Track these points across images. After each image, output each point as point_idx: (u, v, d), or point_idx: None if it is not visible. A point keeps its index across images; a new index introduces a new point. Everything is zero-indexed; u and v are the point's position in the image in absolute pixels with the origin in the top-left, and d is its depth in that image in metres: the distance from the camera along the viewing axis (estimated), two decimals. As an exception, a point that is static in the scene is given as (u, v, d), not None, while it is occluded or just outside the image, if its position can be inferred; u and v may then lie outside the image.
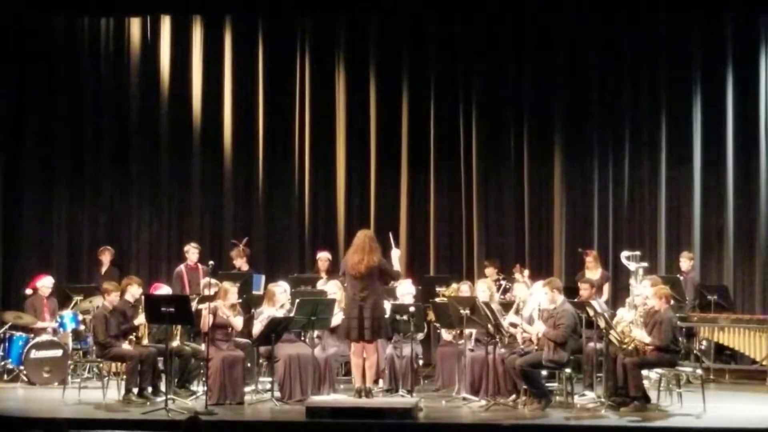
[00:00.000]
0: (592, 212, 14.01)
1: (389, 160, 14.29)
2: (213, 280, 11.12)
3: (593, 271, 12.64)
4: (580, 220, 14.07)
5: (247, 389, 10.59)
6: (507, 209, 14.16)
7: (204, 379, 10.48)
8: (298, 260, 14.06)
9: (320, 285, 12.17)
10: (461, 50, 14.20)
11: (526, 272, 12.41)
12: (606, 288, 12.61)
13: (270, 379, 10.72)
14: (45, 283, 12.58)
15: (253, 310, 11.09)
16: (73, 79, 14.47)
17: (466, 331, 10.71)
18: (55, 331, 12.10)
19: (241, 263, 12.93)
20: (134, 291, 10.85)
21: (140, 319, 10.53)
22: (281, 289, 10.99)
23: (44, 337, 11.97)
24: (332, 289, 11.37)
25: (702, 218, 13.82)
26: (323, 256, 13.02)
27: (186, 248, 12.87)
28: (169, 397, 9.88)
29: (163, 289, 11.52)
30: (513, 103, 14.19)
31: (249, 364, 10.87)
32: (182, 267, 12.74)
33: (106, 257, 13.39)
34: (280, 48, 14.44)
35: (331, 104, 14.33)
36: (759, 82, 13.72)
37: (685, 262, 12.96)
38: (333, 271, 12.61)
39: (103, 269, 13.30)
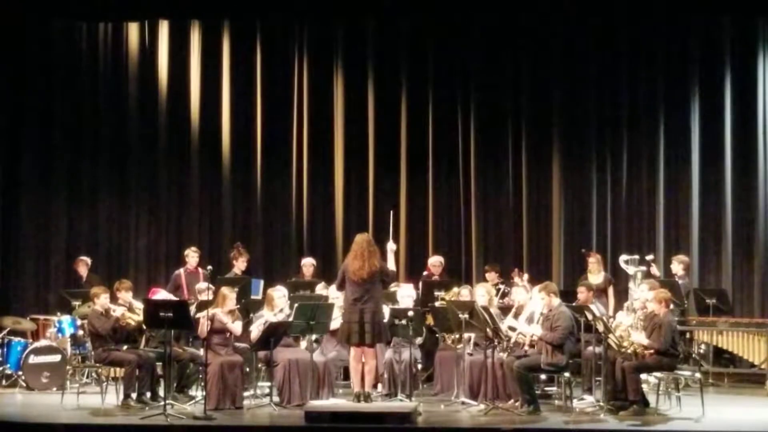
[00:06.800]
0: (590, 215, 14.00)
1: (388, 164, 14.29)
2: (210, 285, 11.09)
3: (596, 274, 12.51)
4: (578, 223, 14.05)
5: (245, 394, 10.58)
6: (505, 212, 14.16)
7: (202, 384, 10.47)
8: (297, 265, 14.04)
9: (319, 289, 12.16)
10: (459, 53, 14.21)
11: (525, 276, 12.39)
12: (611, 292, 12.50)
13: (269, 383, 10.70)
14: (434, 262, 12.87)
15: (251, 315, 11.08)
16: (71, 85, 14.50)
17: (465, 335, 10.70)
18: None
19: (239, 264, 12.83)
20: (124, 296, 10.86)
21: (132, 316, 10.52)
22: (280, 294, 10.99)
23: (42, 343, 11.97)
24: (334, 293, 11.34)
25: (700, 221, 13.81)
26: (307, 262, 13.07)
27: (186, 252, 12.88)
28: (167, 402, 9.87)
29: (161, 294, 11.52)
30: (511, 107, 14.19)
31: (248, 369, 10.86)
32: (181, 271, 12.75)
33: (82, 269, 13.37)
34: (278, 52, 14.46)
35: (329, 109, 14.33)
36: (757, 83, 13.74)
37: (676, 265, 12.81)
38: (319, 276, 12.63)
39: (83, 279, 13.26)
